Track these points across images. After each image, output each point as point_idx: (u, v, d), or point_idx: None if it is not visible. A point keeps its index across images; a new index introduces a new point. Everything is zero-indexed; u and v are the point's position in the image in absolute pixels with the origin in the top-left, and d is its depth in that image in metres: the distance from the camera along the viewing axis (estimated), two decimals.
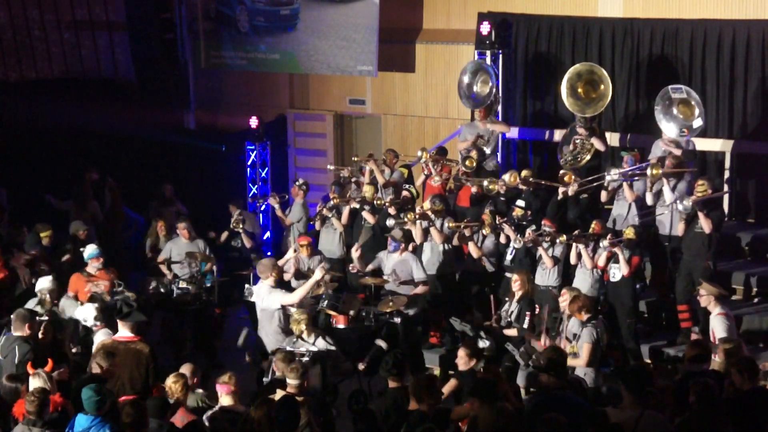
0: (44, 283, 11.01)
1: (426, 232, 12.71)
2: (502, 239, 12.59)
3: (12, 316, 9.70)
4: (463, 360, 9.52)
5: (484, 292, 12.51)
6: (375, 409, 8.17)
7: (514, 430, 7.27)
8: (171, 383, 8.40)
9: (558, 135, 14.82)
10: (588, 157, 13.73)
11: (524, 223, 12.60)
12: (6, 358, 9.27)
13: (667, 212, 12.29)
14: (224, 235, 13.89)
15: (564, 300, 10.72)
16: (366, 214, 13.55)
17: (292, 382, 8.49)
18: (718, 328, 10.32)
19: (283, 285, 11.69)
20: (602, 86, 13.79)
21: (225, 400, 8.40)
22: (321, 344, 10.38)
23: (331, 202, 13.81)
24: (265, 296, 10.96)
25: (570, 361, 9.95)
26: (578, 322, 10.41)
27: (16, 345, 9.30)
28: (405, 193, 13.83)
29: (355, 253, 12.40)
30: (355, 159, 14.92)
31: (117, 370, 8.99)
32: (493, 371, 8.84)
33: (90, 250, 12.14)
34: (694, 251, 11.88)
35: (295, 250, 12.42)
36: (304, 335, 10.41)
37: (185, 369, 8.79)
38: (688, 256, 11.95)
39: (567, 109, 14.13)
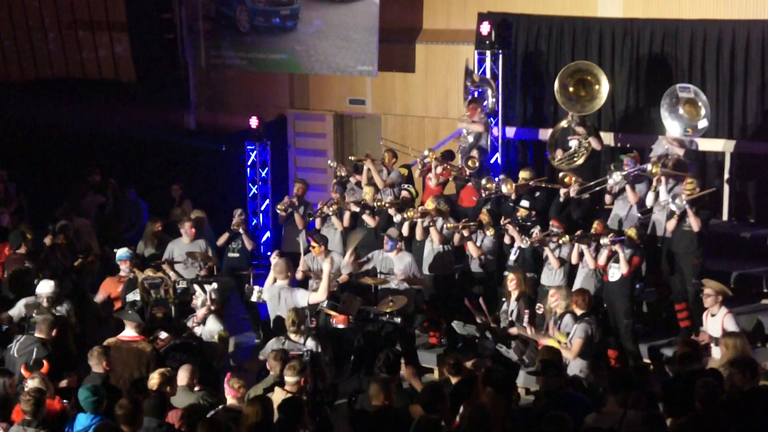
0: (45, 288, 10.79)
1: (427, 231, 12.72)
2: (507, 240, 12.59)
3: (39, 319, 9.73)
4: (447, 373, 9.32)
5: (485, 293, 12.51)
6: (362, 406, 8.23)
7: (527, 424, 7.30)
8: (151, 378, 8.42)
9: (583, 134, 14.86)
10: (585, 157, 13.73)
11: (528, 223, 12.58)
12: (21, 357, 9.25)
13: (663, 212, 12.30)
14: (224, 237, 13.87)
15: (554, 299, 10.74)
16: (367, 218, 13.53)
17: (290, 379, 8.50)
18: (730, 326, 10.33)
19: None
20: (596, 86, 13.79)
21: (229, 401, 8.42)
22: (310, 344, 10.36)
23: (333, 202, 13.79)
24: (287, 296, 10.98)
25: (561, 347, 10.11)
26: (572, 319, 10.44)
27: (35, 347, 9.30)
28: (404, 193, 13.82)
29: (348, 258, 12.32)
30: (352, 158, 14.89)
31: (118, 368, 9.01)
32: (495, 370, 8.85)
33: (120, 252, 12.10)
34: (683, 249, 11.91)
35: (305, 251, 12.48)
36: (293, 337, 10.40)
37: (184, 370, 8.79)
38: (678, 254, 11.98)
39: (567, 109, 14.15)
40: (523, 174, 13.44)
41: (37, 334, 9.51)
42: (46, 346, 9.35)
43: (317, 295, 10.98)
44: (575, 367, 10.23)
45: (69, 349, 9.93)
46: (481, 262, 12.59)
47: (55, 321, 9.67)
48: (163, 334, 10.02)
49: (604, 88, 13.77)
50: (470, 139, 14.50)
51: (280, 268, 11.11)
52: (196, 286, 10.91)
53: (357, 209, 13.58)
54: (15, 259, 12.34)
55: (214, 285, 10.86)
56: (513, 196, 13.10)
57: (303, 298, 10.93)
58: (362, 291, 12.33)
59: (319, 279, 11.64)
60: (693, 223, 11.70)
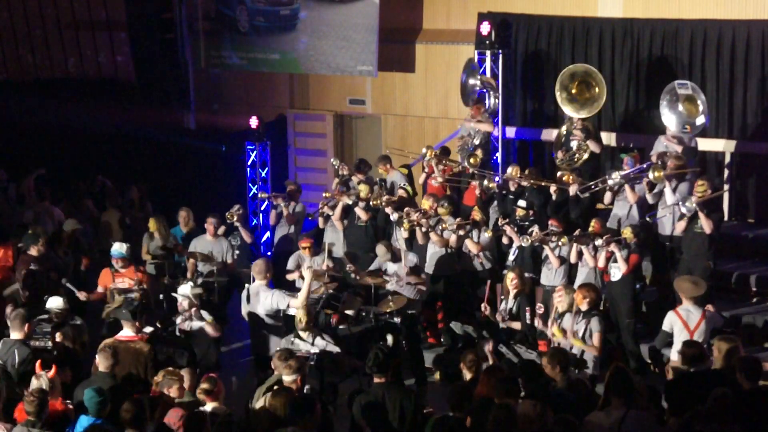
0: (55, 303, 10.62)
1: (427, 235, 12.69)
2: (505, 240, 12.58)
3: (10, 317, 9.63)
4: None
5: (482, 291, 12.52)
6: (360, 404, 8.25)
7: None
8: (159, 377, 8.42)
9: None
10: (585, 158, 13.74)
11: (526, 223, 12.57)
12: (5, 362, 9.20)
13: (668, 213, 12.29)
14: (221, 231, 13.87)
15: (559, 297, 10.75)
16: (359, 211, 13.50)
17: (287, 378, 8.51)
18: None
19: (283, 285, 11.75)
20: (597, 89, 13.80)
21: (208, 406, 8.39)
22: (319, 343, 10.37)
23: (334, 200, 13.79)
24: (266, 296, 10.97)
25: (584, 347, 10.23)
26: (571, 318, 10.44)
27: (15, 349, 9.24)
28: (401, 192, 13.78)
29: (351, 267, 12.36)
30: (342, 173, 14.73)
31: (116, 368, 9.01)
32: (499, 369, 8.88)
33: (114, 247, 12.08)
34: (694, 251, 11.89)
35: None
36: (303, 335, 10.41)
37: (184, 373, 8.77)
38: (688, 256, 11.95)
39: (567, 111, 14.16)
40: (528, 171, 13.45)
41: (12, 335, 9.43)
42: (27, 345, 9.30)
43: (295, 302, 10.91)
44: (590, 361, 10.26)
45: (65, 346, 9.86)
46: (481, 259, 12.58)
47: (26, 315, 9.55)
48: (148, 329, 10.04)
49: (602, 90, 13.76)
50: (476, 141, 14.48)
51: (259, 268, 11.14)
52: (180, 291, 10.92)
53: (350, 202, 13.55)
54: (25, 261, 12.33)
55: (189, 285, 10.94)
56: (513, 186, 13.06)
57: (282, 301, 10.93)
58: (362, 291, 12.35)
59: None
60: (705, 225, 11.68)
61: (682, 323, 10.47)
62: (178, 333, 10.73)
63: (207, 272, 12.91)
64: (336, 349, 10.47)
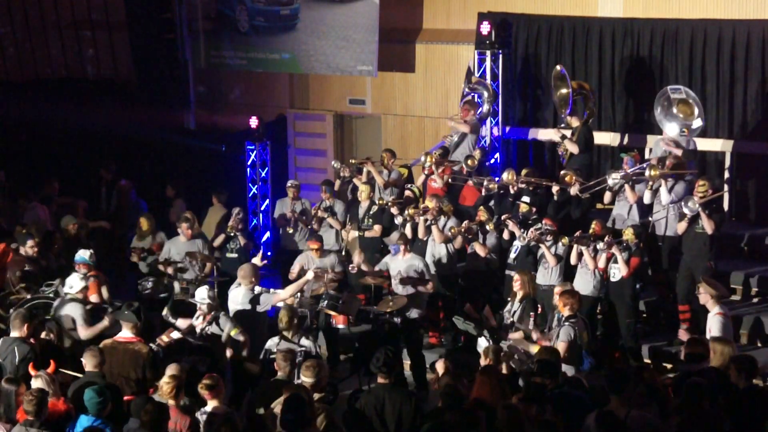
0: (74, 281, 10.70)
1: (429, 229, 12.70)
2: (506, 236, 12.57)
3: (11, 316, 9.65)
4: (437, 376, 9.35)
5: (486, 292, 12.52)
6: (360, 405, 8.25)
7: None
8: (163, 383, 8.39)
9: (558, 135, 14.89)
10: (566, 158, 13.86)
11: (530, 221, 12.55)
12: (5, 360, 9.23)
13: (664, 213, 12.29)
14: (220, 239, 13.86)
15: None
16: (331, 221, 13.68)
17: (307, 380, 8.48)
18: (714, 327, 10.35)
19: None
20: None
21: (210, 404, 8.38)
22: (305, 344, 10.33)
23: (326, 203, 13.83)
24: (245, 301, 10.97)
25: None
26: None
27: (15, 346, 9.24)
28: (408, 192, 13.83)
29: (358, 258, 12.34)
30: (353, 161, 14.90)
31: (114, 369, 9.02)
32: (495, 371, 8.87)
33: (78, 254, 11.95)
34: (695, 252, 11.88)
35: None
36: (287, 335, 10.36)
37: (171, 369, 8.71)
38: (689, 256, 11.95)
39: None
40: (524, 172, 13.45)
41: (13, 333, 9.45)
42: (26, 342, 9.31)
43: (280, 295, 11.00)
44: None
45: (49, 341, 9.85)
46: (487, 260, 12.58)
47: (27, 315, 9.57)
48: (176, 334, 9.97)
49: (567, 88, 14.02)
50: (455, 138, 14.55)
51: (244, 273, 11.11)
52: (197, 295, 10.85)
53: (325, 215, 13.72)
54: (18, 261, 12.30)
55: (205, 288, 10.86)
56: (513, 189, 13.08)
57: (267, 301, 10.95)
58: (362, 291, 12.35)
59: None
60: (707, 225, 11.68)
61: (729, 323, 10.43)
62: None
63: (187, 275, 12.84)
64: (314, 351, 10.40)
